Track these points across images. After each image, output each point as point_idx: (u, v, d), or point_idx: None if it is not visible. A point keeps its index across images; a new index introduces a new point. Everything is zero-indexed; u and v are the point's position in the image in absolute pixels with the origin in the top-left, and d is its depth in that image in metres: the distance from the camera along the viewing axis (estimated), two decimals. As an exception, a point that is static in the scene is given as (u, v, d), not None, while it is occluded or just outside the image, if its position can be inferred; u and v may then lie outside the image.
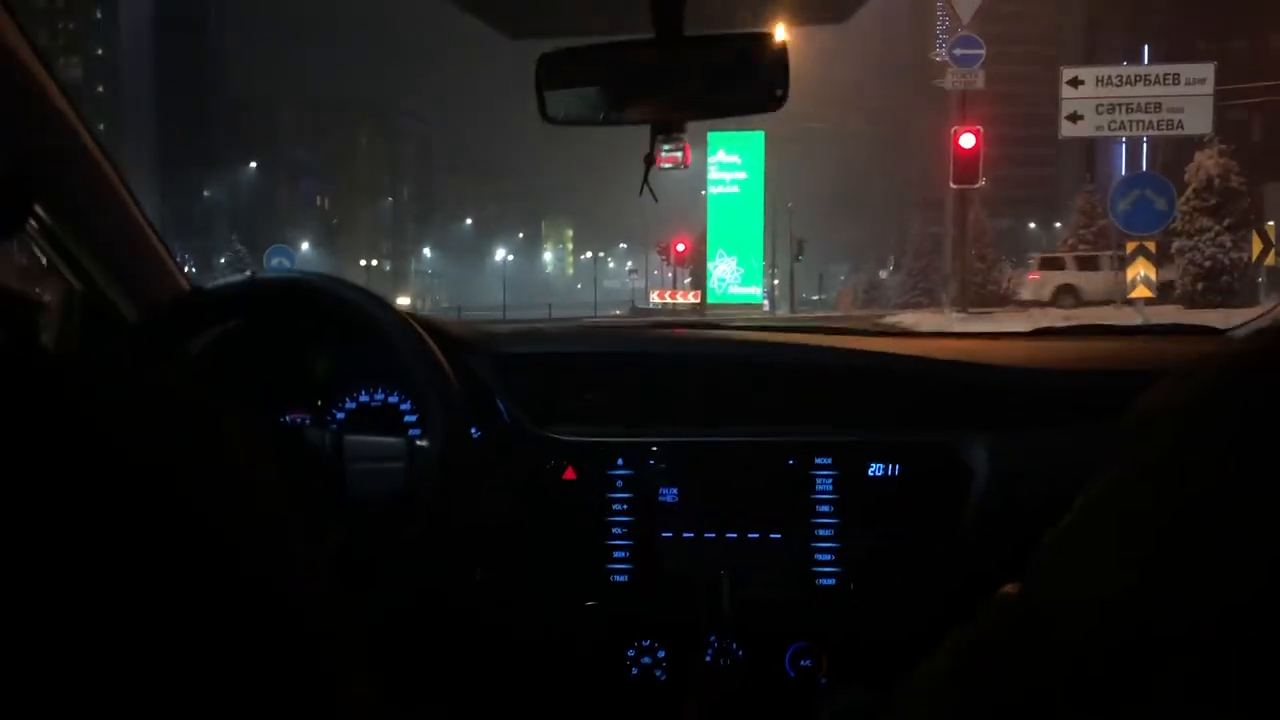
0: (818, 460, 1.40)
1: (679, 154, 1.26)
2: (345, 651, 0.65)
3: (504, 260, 71.60)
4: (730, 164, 31.96)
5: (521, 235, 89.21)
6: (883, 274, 52.43)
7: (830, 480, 1.40)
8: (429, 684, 1.40)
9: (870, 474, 1.39)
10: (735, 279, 32.51)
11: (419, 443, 1.26)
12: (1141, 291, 11.88)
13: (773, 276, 39.81)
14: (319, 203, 63.55)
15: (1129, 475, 0.59)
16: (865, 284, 46.05)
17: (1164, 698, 0.54)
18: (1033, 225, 67.50)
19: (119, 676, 0.51)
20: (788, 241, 37.34)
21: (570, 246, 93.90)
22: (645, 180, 1.26)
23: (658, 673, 1.43)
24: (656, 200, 1.29)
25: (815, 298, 51.02)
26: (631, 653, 1.44)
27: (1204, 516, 0.54)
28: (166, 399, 0.58)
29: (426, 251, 75.82)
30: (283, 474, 1.27)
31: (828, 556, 1.40)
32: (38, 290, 0.61)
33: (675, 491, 1.43)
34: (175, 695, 0.53)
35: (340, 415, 1.52)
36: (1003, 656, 0.64)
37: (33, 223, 1.42)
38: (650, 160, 1.23)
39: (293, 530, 0.62)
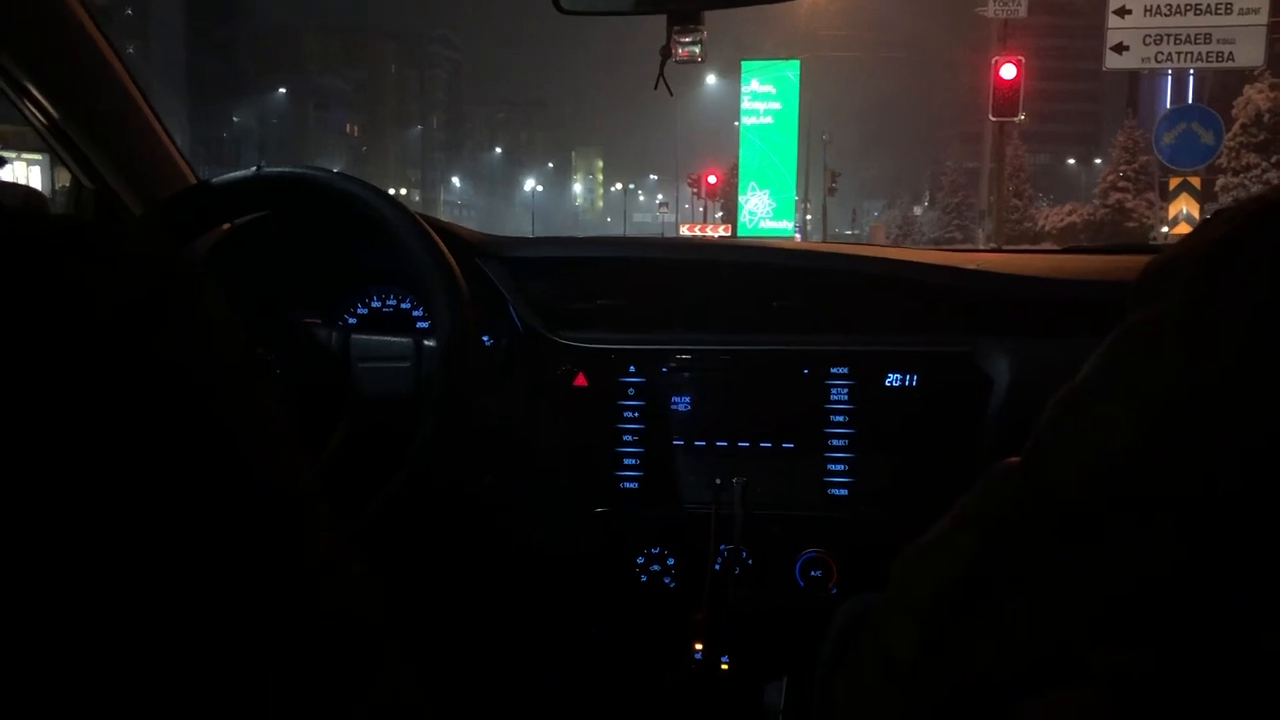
0: (833, 370, 1.38)
1: (696, 48, 1.22)
2: (328, 531, 0.65)
3: (533, 191, 71.30)
4: (764, 94, 31.41)
5: (551, 165, 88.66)
6: (917, 209, 51.90)
7: (846, 390, 1.38)
8: (437, 586, 1.41)
9: (887, 384, 1.37)
10: (767, 212, 32.16)
11: (427, 342, 1.25)
12: (1184, 229, 11.66)
13: (805, 211, 39.37)
14: (348, 130, 63.34)
15: (1143, 323, 0.57)
16: (899, 219, 45.63)
17: (1164, 549, 0.54)
18: (1072, 161, 66.27)
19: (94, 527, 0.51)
20: (821, 175, 36.86)
21: (600, 178, 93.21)
22: (661, 74, 1.22)
23: (667, 580, 1.43)
24: (671, 94, 1.25)
25: (849, 233, 50.45)
26: (641, 560, 1.44)
27: (1225, 359, 0.53)
28: (130, 249, 0.57)
29: (455, 181, 75.59)
30: (291, 372, 1.27)
31: (841, 467, 1.38)
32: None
33: (687, 399, 1.42)
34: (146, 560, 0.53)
35: (351, 320, 1.51)
36: (997, 513, 0.63)
37: (42, 119, 1.41)
38: (666, 53, 1.20)
39: (263, 388, 0.62)
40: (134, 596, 0.53)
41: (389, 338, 1.27)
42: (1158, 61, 12.87)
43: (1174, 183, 11.88)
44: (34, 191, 1.74)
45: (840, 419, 1.38)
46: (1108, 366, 0.59)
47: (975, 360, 1.35)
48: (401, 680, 0.69)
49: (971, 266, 1.40)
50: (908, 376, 1.36)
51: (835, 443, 1.38)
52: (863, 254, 1.46)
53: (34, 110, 1.38)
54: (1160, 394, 0.55)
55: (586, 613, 1.48)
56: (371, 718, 0.65)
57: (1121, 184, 29.98)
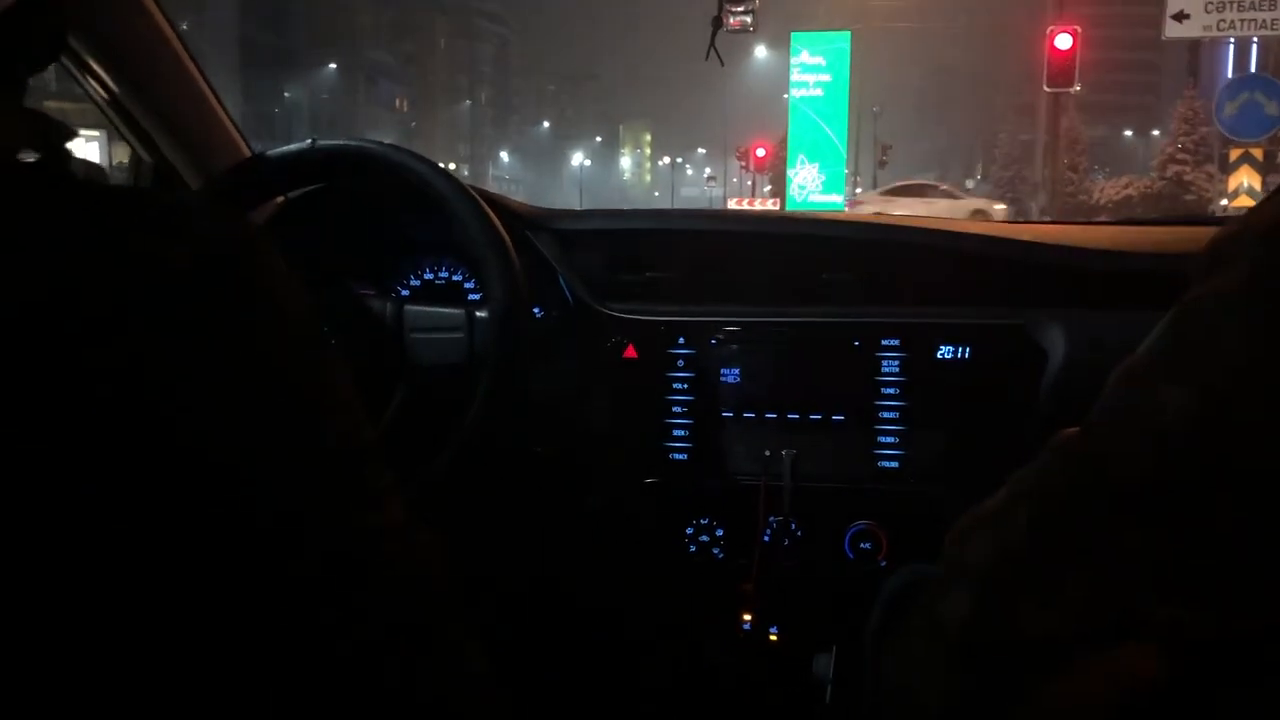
0: (884, 342, 1.37)
1: (748, 17, 1.21)
2: (393, 495, 0.66)
3: (580, 166, 71.30)
4: (814, 66, 31.03)
5: (599, 140, 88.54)
6: (969, 183, 51.15)
7: (897, 362, 1.37)
8: (485, 552, 1.42)
9: (939, 356, 1.36)
10: (816, 186, 31.85)
11: (479, 313, 1.26)
12: (1244, 202, 11.38)
13: (855, 184, 39.00)
14: (397, 105, 63.67)
15: (1205, 296, 0.57)
16: (949, 192, 45.10)
17: (1227, 523, 0.54)
18: (1129, 133, 64.88)
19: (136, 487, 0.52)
20: (872, 148, 36.46)
21: (648, 151, 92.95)
22: (712, 43, 1.22)
23: (715, 551, 1.44)
24: (723, 64, 1.25)
25: None
26: (690, 531, 1.44)
27: None
28: (192, 216, 0.58)
29: (504, 155, 75.79)
30: (346, 342, 1.29)
31: (891, 440, 1.38)
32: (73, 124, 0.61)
33: (737, 371, 1.42)
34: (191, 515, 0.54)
35: (404, 291, 1.52)
36: (1056, 486, 0.62)
37: (102, 94, 1.44)
38: (717, 23, 1.20)
39: (328, 353, 0.62)
40: (192, 554, 0.54)
41: (442, 309, 1.29)
42: (1220, 29, 12.52)
43: (1235, 154, 11.60)
44: (94, 165, 1.77)
45: (891, 391, 1.38)
46: (1169, 341, 0.58)
47: (1029, 333, 1.34)
48: (464, 645, 0.70)
49: (1026, 238, 1.39)
50: (960, 349, 1.35)
51: (886, 415, 1.38)
52: (914, 225, 1.45)
53: (95, 85, 1.41)
54: (1222, 368, 0.54)
55: (636, 582, 1.49)
56: (434, 682, 0.66)
57: (1180, 156, 29.32)
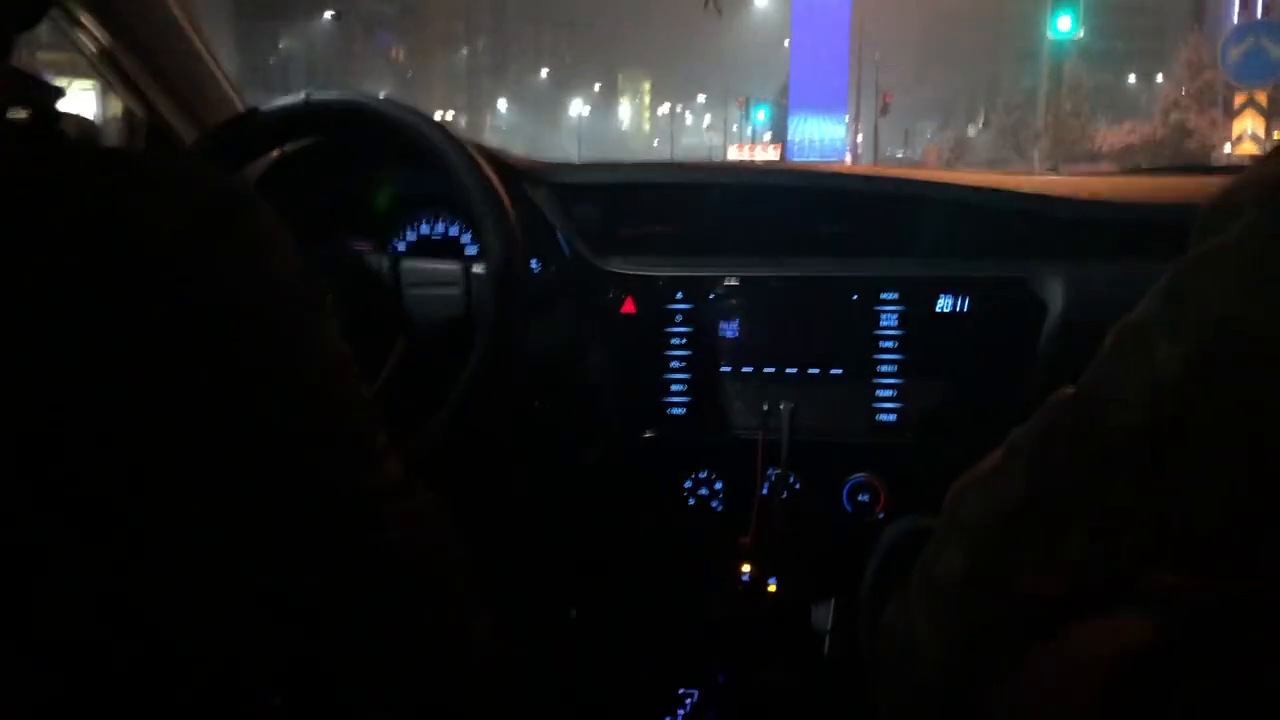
0: (883, 295, 1.37)
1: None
2: (392, 454, 0.66)
3: (579, 116, 70.74)
4: (815, 11, 30.76)
5: (598, 88, 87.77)
6: (971, 130, 50.85)
7: (895, 316, 1.37)
8: (485, 506, 1.43)
9: (937, 309, 1.35)
10: (816, 134, 31.73)
11: (475, 268, 1.25)
12: (1248, 148, 11.29)
13: (856, 132, 38.70)
14: (394, 55, 63.00)
15: (1205, 253, 0.57)
16: (952, 140, 44.71)
17: (1219, 481, 0.54)
18: (1132, 79, 64.24)
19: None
20: (873, 95, 36.16)
21: (647, 100, 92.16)
22: (709, -7, 1.19)
23: (714, 504, 1.44)
24: (720, 14, 1.23)
25: (899, 154, 49.51)
26: (689, 484, 1.45)
27: None
28: (182, 177, 0.58)
29: (501, 105, 75.13)
30: (343, 298, 1.28)
31: (890, 393, 1.38)
32: (65, 82, 0.60)
33: (735, 325, 1.42)
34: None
35: (401, 246, 1.52)
36: (1052, 443, 0.63)
37: (92, 47, 1.42)
38: (715, -29, 1.17)
39: (323, 311, 0.62)
40: (189, 512, 0.54)
41: (438, 264, 1.28)
42: (1226, -28, 12.33)
43: (1239, 100, 11.50)
44: (86, 120, 1.75)
45: (889, 344, 1.37)
46: (1167, 297, 0.58)
47: (1029, 285, 1.33)
48: (469, 603, 0.71)
49: (1026, 189, 1.38)
50: (959, 301, 1.35)
51: (884, 368, 1.38)
52: (913, 177, 1.43)
53: (85, 39, 1.39)
54: (1219, 323, 0.54)
55: (634, 535, 1.50)
56: (438, 638, 0.67)
57: (1184, 102, 29.08)
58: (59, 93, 0.60)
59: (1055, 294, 1.31)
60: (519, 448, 1.45)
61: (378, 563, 0.62)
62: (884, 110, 35.03)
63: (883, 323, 1.37)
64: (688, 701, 1.49)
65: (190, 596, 0.55)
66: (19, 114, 0.57)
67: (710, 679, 1.50)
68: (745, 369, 1.42)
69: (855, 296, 1.37)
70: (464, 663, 0.69)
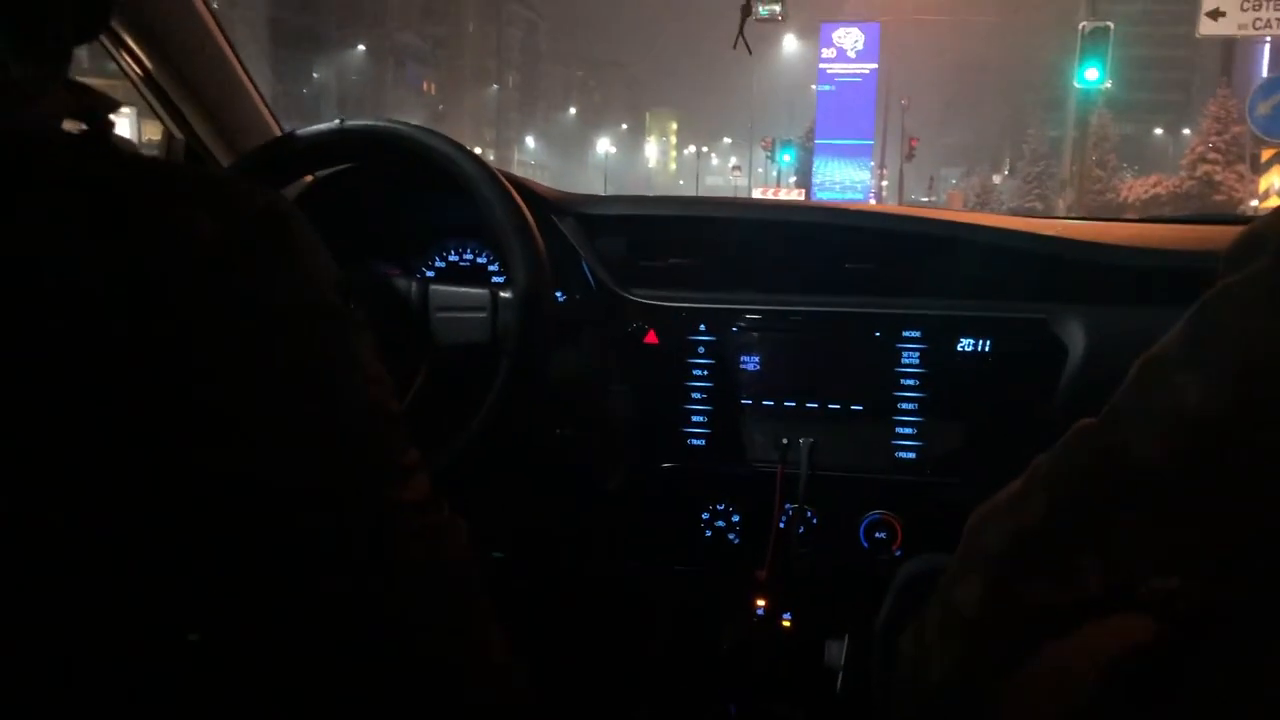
0: (905, 333, 1.37)
1: (777, 6, 1.21)
2: (419, 469, 0.67)
3: (606, 154, 71.21)
4: (843, 57, 30.92)
5: (625, 127, 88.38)
6: (996, 178, 50.80)
7: (917, 354, 1.37)
8: (505, 531, 1.44)
9: (959, 348, 1.36)
10: (841, 177, 31.77)
11: (503, 294, 1.27)
12: (1275, 203, 11.23)
13: (881, 176, 38.72)
14: (425, 88, 63.62)
15: (1225, 289, 0.57)
16: (978, 187, 44.62)
17: (1235, 508, 0.55)
18: (1159, 131, 64.19)
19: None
20: (899, 140, 36.23)
21: (673, 140, 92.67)
22: (740, 31, 1.22)
23: (731, 536, 1.45)
24: (750, 53, 1.25)
25: (925, 199, 49.40)
26: (706, 516, 1.45)
27: None
28: (225, 189, 0.59)
29: (529, 141, 75.71)
30: (371, 320, 1.30)
31: (910, 431, 1.38)
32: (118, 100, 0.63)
33: (756, 359, 1.42)
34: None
35: (429, 273, 1.53)
36: (1073, 471, 0.64)
37: (136, 70, 1.45)
38: (747, 10, 1.19)
39: (357, 325, 0.62)
40: (216, 521, 0.54)
41: (466, 289, 1.30)
42: (1255, 29, 12.34)
43: (1267, 154, 11.45)
44: (124, 139, 1.79)
45: (911, 383, 1.38)
46: (1191, 330, 0.59)
47: (1050, 327, 1.34)
48: (487, 621, 0.71)
49: (1050, 233, 1.39)
50: (981, 341, 1.35)
51: (905, 406, 1.38)
52: (937, 217, 1.45)
53: (130, 61, 1.42)
54: (1240, 360, 0.55)
55: (650, 564, 1.50)
56: (452, 652, 0.67)
57: (1211, 155, 29.01)
58: (114, 105, 0.61)
59: (1076, 336, 1.31)
60: (540, 473, 1.46)
61: (400, 576, 0.63)
62: (909, 155, 35.03)
63: (904, 360, 1.37)
64: (700, 733, 1.49)
65: (209, 600, 0.56)
66: (76, 126, 0.59)
67: (722, 711, 1.50)
68: (766, 402, 1.42)
69: (877, 333, 1.38)
70: (478, 678, 0.69)
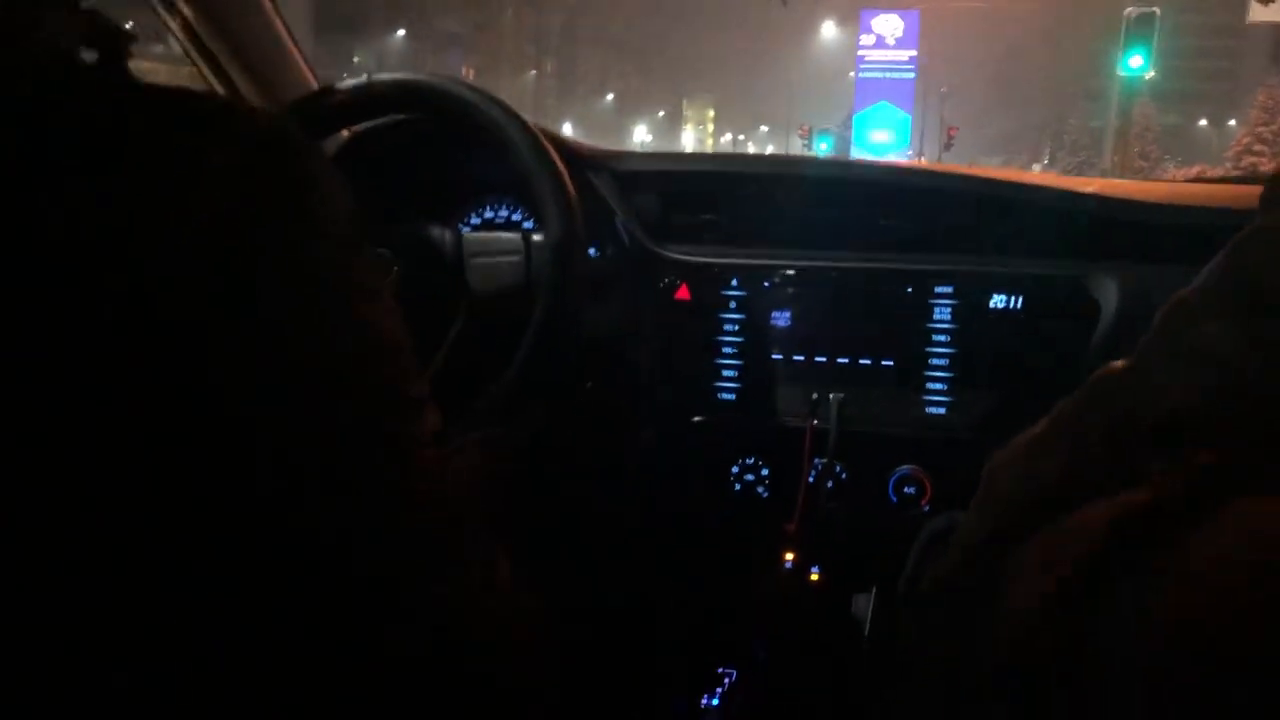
0: (937, 289, 1.37)
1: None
2: (428, 401, 0.67)
3: (642, 143, 71.11)
4: (881, 44, 30.62)
5: (662, 114, 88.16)
6: (1036, 168, 50.28)
7: (949, 310, 1.37)
8: (534, 478, 1.45)
9: (991, 305, 1.36)
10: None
11: (536, 238, 1.28)
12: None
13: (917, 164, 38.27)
14: (464, 74, 63.88)
15: (1253, 234, 0.57)
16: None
17: (1263, 456, 0.53)
18: (1203, 123, 63.19)
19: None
20: (937, 129, 35.84)
21: (710, 128, 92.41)
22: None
23: (760, 490, 1.45)
24: (785, 3, 1.24)
25: None
26: (735, 469, 1.46)
27: None
28: (236, 116, 0.58)
29: (567, 127, 75.93)
30: (408, 271, 1.31)
31: (940, 386, 1.38)
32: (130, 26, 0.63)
33: (788, 314, 1.43)
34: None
35: (465, 228, 1.55)
36: (1096, 416, 0.63)
37: (176, 23, 1.47)
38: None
39: (365, 258, 0.62)
40: (230, 464, 0.54)
41: (500, 234, 1.31)
42: (1306, 15, 12.08)
43: (1314, 144, 11.24)
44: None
45: (942, 339, 1.38)
46: (1222, 272, 0.58)
47: (1084, 284, 1.33)
48: (493, 555, 0.71)
49: (1087, 190, 1.38)
50: (1013, 298, 1.35)
51: (936, 362, 1.38)
52: (974, 174, 1.44)
53: (169, 14, 1.45)
54: (1268, 299, 0.54)
55: (679, 517, 1.51)
56: (461, 595, 0.67)
57: (1257, 147, 28.59)
58: (130, 37, 0.60)
59: (1110, 294, 1.31)
60: (571, 426, 1.47)
61: (407, 510, 0.63)
62: (948, 144, 34.60)
63: (936, 316, 1.37)
64: (726, 680, 1.50)
65: (210, 543, 0.55)
66: (89, 55, 0.58)
67: (749, 659, 1.51)
68: (796, 358, 1.43)
69: (909, 289, 1.38)
70: (486, 616, 0.69)
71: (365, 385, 0.60)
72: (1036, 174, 1.44)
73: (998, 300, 1.35)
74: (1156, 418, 0.57)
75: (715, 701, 1.50)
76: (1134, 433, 0.59)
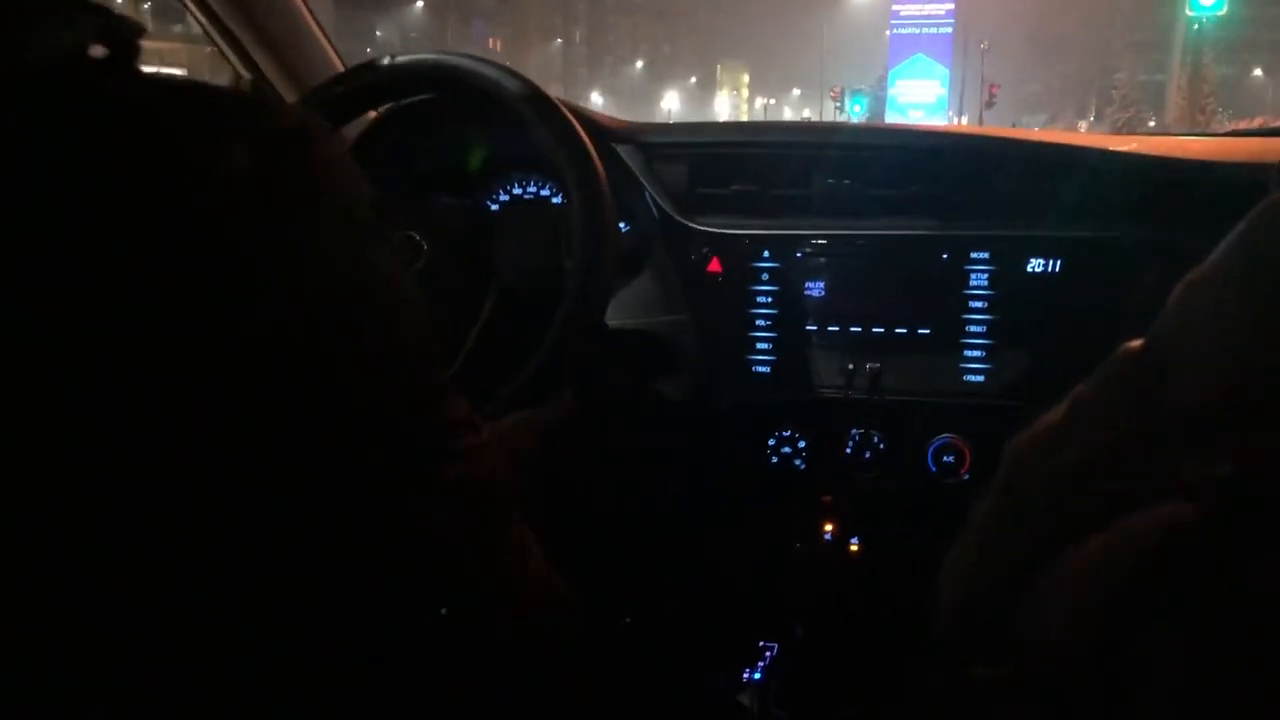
0: (973, 255, 1.38)
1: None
2: (450, 385, 0.68)
3: (670, 111, 70.65)
4: None
5: (694, 80, 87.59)
6: (1082, 125, 49.46)
7: (986, 275, 1.37)
8: (565, 454, 1.47)
9: (1029, 270, 1.36)
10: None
11: (565, 218, 1.29)
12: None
13: (958, 125, 37.56)
14: (490, 45, 63.55)
15: (1271, 206, 0.56)
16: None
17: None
18: (1258, 73, 61.79)
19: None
20: (978, 86, 35.23)
21: (744, 93, 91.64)
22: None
23: (797, 462, 1.47)
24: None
25: None
26: (772, 442, 1.48)
27: None
28: (252, 112, 0.58)
29: (596, 96, 75.43)
30: (438, 250, 1.33)
31: (978, 354, 1.39)
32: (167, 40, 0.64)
33: (821, 285, 1.44)
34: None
35: (493, 206, 1.57)
36: (1116, 398, 0.64)
37: (202, 14, 1.50)
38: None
39: (386, 249, 0.63)
40: (247, 442, 0.55)
41: (528, 214, 1.33)
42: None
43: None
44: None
45: (979, 305, 1.38)
46: (1237, 247, 0.58)
47: (1122, 246, 1.33)
48: (525, 544, 0.73)
49: (1121, 149, 1.37)
50: (1051, 262, 1.35)
51: (973, 329, 1.39)
52: (1007, 136, 1.44)
53: (196, 2, 1.48)
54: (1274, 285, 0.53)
55: (718, 492, 1.53)
56: (490, 580, 0.69)
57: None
58: (140, 30, 0.61)
59: (1148, 257, 1.30)
60: (606, 400, 1.49)
61: (435, 496, 0.64)
62: (989, 102, 34.01)
63: (972, 282, 1.38)
64: (767, 654, 1.52)
65: (245, 522, 0.56)
66: (99, 50, 0.58)
67: (790, 633, 1.53)
68: (831, 328, 1.44)
69: (945, 255, 1.38)
70: (514, 599, 0.71)
71: (388, 378, 0.61)
72: (1074, 133, 1.44)
73: (1035, 265, 1.36)
74: (1184, 411, 0.57)
75: (758, 675, 1.52)
76: (1159, 424, 0.59)
